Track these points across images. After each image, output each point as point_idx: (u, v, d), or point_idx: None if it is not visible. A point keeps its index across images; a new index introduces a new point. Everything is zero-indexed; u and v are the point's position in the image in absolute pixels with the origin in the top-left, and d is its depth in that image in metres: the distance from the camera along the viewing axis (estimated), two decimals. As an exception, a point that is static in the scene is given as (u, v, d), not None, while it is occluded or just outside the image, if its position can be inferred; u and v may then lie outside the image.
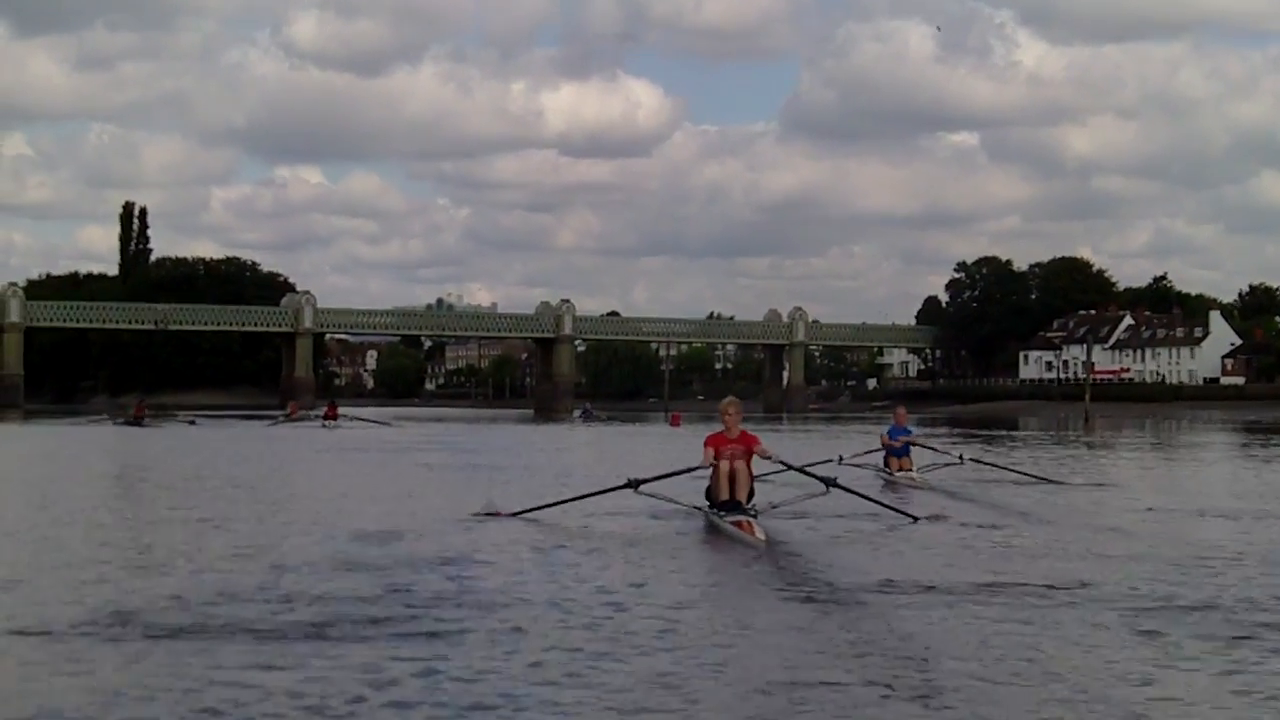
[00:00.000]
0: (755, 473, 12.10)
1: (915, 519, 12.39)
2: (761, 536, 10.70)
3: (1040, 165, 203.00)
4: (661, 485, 12.25)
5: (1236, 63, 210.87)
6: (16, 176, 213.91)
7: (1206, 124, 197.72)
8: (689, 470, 12.14)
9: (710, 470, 11.88)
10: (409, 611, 7.58)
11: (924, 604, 7.93)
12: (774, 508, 12.14)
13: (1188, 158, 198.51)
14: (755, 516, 11.28)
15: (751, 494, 11.72)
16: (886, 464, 18.45)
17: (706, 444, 11.98)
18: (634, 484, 12.21)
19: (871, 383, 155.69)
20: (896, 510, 12.69)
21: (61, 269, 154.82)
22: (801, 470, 13.23)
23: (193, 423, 50.40)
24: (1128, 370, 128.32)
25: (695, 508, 12.29)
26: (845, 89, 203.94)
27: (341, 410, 50.59)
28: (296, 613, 7.53)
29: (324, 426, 45.70)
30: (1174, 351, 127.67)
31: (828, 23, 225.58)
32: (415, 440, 36.79)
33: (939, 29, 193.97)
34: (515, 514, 12.72)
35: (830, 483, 12.13)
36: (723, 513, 11.48)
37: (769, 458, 12.22)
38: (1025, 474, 19.36)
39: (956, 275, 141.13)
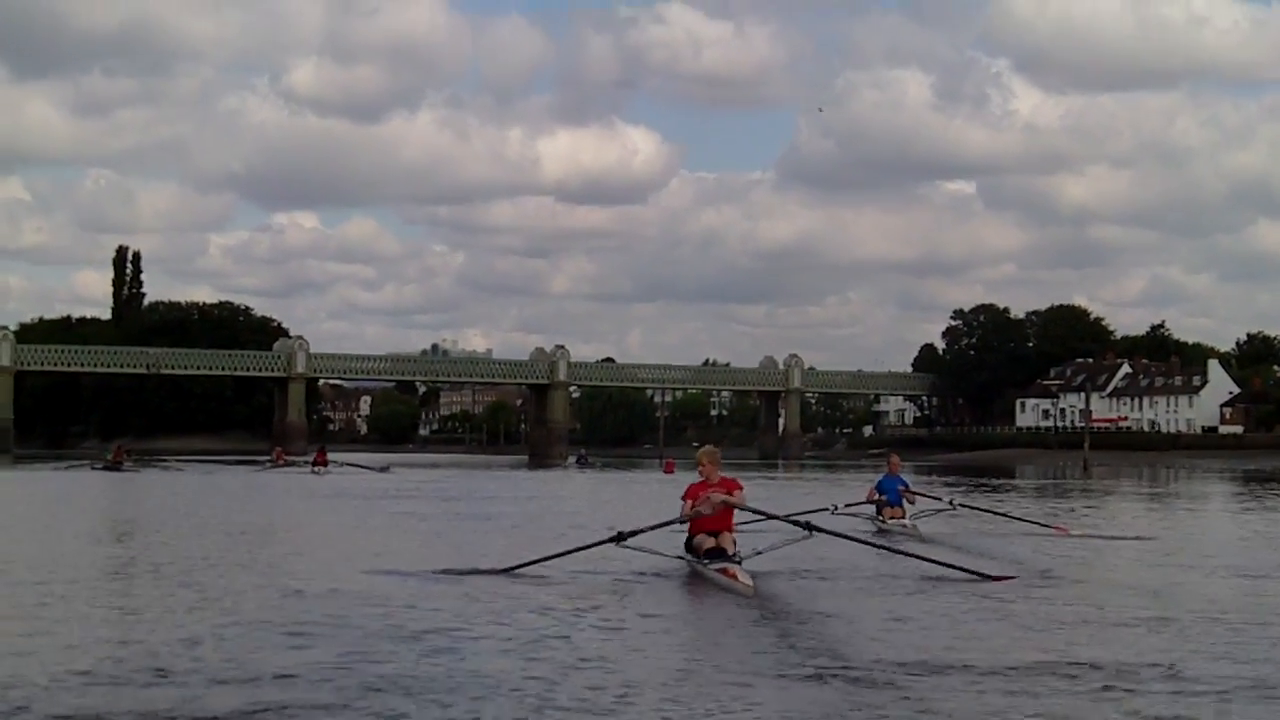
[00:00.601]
0: (735, 522, 11.95)
1: (902, 553, 12.39)
2: (748, 583, 10.59)
3: (1036, 213, 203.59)
4: (648, 538, 11.81)
5: (1231, 112, 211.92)
6: (12, 221, 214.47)
7: (1201, 173, 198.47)
8: (671, 523, 11.90)
9: (689, 522, 11.74)
10: (363, 695, 6.50)
11: (953, 685, 6.88)
12: (758, 554, 11.81)
13: (1183, 207, 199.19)
14: (740, 563, 11.11)
15: (733, 543, 11.52)
16: (880, 512, 18.22)
17: (686, 495, 11.81)
18: (620, 537, 11.74)
19: (867, 430, 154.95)
20: (878, 547, 12.87)
21: (56, 313, 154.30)
22: (784, 519, 13.02)
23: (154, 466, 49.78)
24: (1125, 419, 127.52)
25: (680, 558, 11.99)
26: (843, 138, 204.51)
27: (334, 456, 49.88)
28: (229, 695, 6.46)
29: (313, 472, 44.86)
30: (1172, 400, 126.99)
31: (826, 72, 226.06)
32: (404, 487, 35.79)
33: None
34: (498, 571, 11.91)
35: (810, 527, 11.89)
36: (707, 561, 11.33)
37: (747, 508, 12.00)
38: (1033, 522, 18.92)
39: (954, 323, 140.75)
